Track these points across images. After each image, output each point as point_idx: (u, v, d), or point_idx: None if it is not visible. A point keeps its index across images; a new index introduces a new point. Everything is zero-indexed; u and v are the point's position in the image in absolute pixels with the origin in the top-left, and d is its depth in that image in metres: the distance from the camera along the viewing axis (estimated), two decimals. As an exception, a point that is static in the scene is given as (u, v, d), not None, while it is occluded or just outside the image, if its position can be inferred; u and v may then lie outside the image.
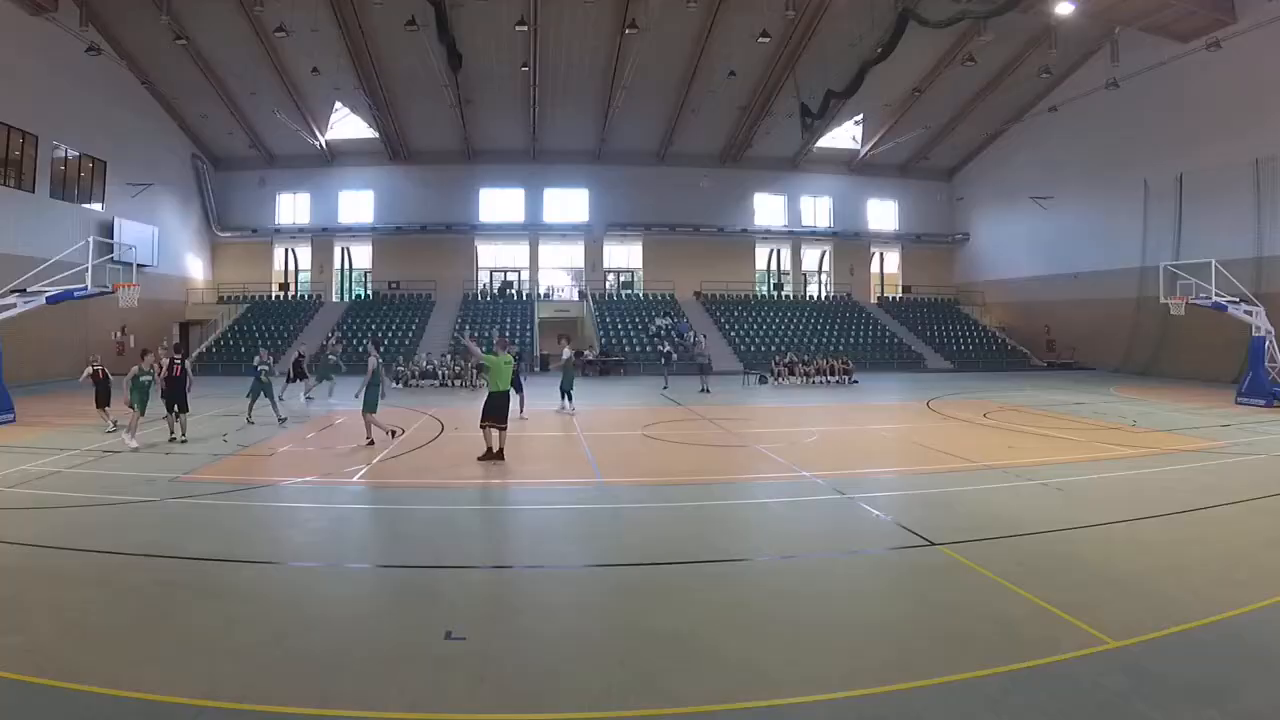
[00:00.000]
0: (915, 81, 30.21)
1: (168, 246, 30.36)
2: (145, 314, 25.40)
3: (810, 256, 39.26)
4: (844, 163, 36.96)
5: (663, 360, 24.43)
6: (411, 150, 34.35)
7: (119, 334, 27.29)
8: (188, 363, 12.08)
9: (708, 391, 20.32)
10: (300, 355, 19.86)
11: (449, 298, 34.08)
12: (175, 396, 11.60)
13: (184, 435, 11.62)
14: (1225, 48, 22.70)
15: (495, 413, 10.13)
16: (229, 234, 34.90)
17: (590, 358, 27.82)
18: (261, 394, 13.78)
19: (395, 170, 34.89)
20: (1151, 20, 23.44)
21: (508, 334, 30.38)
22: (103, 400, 12.96)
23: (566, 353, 16.73)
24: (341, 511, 7.87)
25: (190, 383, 11.94)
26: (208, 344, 29.83)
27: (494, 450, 10.07)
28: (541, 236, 36.68)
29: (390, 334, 30.33)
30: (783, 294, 37.46)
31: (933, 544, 6.28)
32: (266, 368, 13.93)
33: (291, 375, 18.80)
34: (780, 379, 23.99)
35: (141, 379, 11.63)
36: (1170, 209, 26.33)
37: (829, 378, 24.01)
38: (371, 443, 11.08)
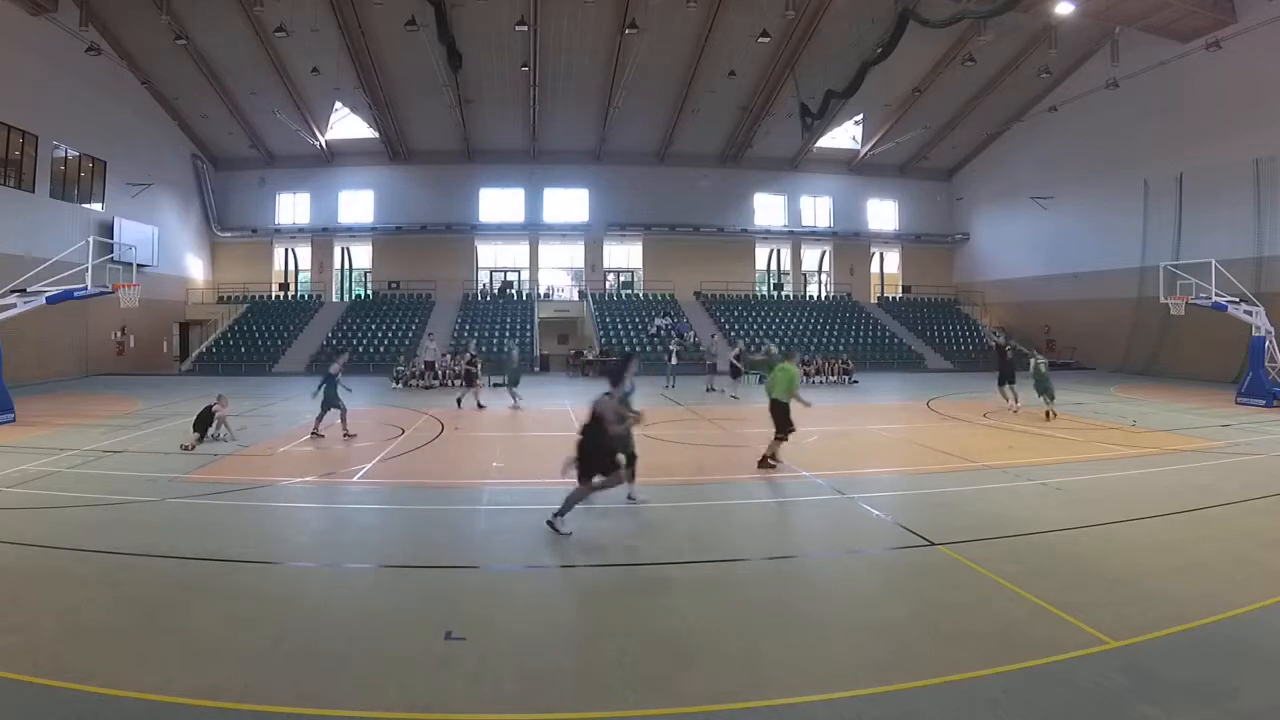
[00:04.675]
0: (915, 81, 30.20)
1: (168, 246, 30.33)
2: (145, 314, 25.43)
3: (810, 256, 39.24)
4: (844, 163, 36.94)
5: (667, 359, 24.45)
6: (411, 150, 34.35)
7: (119, 334, 27.34)
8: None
9: (712, 390, 20.45)
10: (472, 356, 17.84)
11: (449, 298, 34.07)
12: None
13: None
14: (1225, 48, 22.70)
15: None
16: (229, 234, 34.88)
17: (590, 358, 27.85)
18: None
19: (395, 170, 34.88)
20: (1151, 20, 23.42)
21: (511, 334, 30.38)
22: None
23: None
24: (341, 511, 7.87)
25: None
26: (208, 344, 29.84)
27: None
28: (541, 236, 36.65)
29: (390, 334, 30.34)
30: (783, 294, 37.43)
31: (933, 544, 6.28)
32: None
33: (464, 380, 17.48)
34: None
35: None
36: (1170, 209, 26.31)
37: (829, 378, 23.99)
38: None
